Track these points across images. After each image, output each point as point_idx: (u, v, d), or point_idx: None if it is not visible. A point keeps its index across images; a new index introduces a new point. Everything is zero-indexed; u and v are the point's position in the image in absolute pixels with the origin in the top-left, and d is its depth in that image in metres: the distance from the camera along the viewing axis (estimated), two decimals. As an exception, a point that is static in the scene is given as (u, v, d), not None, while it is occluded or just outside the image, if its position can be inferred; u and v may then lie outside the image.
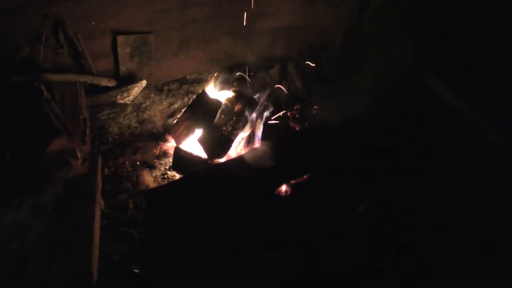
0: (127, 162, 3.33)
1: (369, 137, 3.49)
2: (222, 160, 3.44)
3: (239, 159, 3.32)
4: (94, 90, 3.60)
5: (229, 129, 3.44)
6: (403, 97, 3.90)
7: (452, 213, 2.86)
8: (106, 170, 3.23)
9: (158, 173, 3.34)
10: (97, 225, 2.68)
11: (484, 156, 3.35)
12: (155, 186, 3.22)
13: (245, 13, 4.00)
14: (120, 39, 3.52)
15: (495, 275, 2.55)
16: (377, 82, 3.90)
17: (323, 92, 4.24)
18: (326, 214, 2.87)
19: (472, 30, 3.77)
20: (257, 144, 3.59)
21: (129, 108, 3.75)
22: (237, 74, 3.93)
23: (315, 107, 4.08)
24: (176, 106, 3.96)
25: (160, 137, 3.63)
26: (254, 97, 3.78)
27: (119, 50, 3.57)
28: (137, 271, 2.22)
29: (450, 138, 3.55)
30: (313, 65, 4.43)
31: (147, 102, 3.89)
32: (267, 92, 3.80)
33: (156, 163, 3.41)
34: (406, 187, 3.04)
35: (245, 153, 3.36)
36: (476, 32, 3.73)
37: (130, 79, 3.78)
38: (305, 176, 3.35)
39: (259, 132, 3.60)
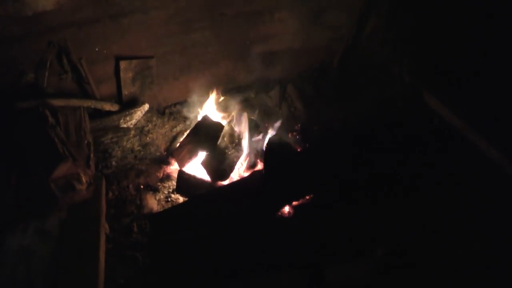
0: (130, 186, 3.34)
1: (368, 157, 3.51)
2: (225, 182, 3.45)
3: (242, 182, 3.34)
4: (97, 114, 3.63)
5: (232, 151, 3.47)
6: (401, 116, 3.95)
7: (458, 232, 2.87)
8: (110, 193, 3.24)
9: (161, 196, 3.35)
10: (102, 249, 2.68)
11: (485, 172, 3.37)
12: (159, 210, 3.22)
13: (245, 37, 4.07)
14: (123, 64, 3.58)
15: None
16: (376, 102, 3.96)
17: (323, 113, 4.28)
18: (330, 235, 2.88)
19: (470, 48, 3.82)
20: (259, 166, 3.61)
21: (132, 132, 3.78)
22: (238, 97, 3.97)
23: (315, 128, 4.12)
24: (178, 129, 3.98)
25: (163, 160, 3.65)
26: (256, 119, 3.82)
27: (121, 74, 3.62)
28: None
29: (450, 155, 3.57)
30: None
31: (150, 125, 3.91)
32: (268, 115, 3.84)
33: (160, 186, 3.42)
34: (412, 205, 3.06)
35: (248, 176, 3.38)
36: (474, 50, 3.78)
37: (133, 103, 3.82)
38: (307, 197, 3.36)
39: (261, 154, 3.62)
